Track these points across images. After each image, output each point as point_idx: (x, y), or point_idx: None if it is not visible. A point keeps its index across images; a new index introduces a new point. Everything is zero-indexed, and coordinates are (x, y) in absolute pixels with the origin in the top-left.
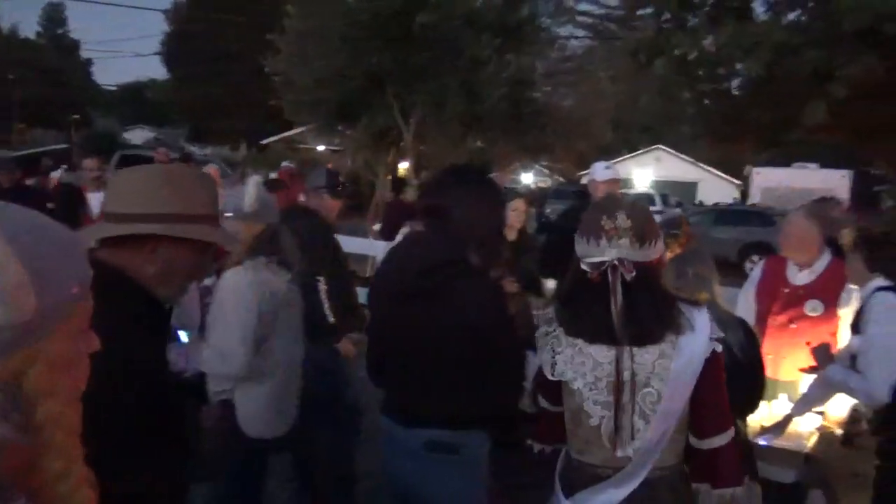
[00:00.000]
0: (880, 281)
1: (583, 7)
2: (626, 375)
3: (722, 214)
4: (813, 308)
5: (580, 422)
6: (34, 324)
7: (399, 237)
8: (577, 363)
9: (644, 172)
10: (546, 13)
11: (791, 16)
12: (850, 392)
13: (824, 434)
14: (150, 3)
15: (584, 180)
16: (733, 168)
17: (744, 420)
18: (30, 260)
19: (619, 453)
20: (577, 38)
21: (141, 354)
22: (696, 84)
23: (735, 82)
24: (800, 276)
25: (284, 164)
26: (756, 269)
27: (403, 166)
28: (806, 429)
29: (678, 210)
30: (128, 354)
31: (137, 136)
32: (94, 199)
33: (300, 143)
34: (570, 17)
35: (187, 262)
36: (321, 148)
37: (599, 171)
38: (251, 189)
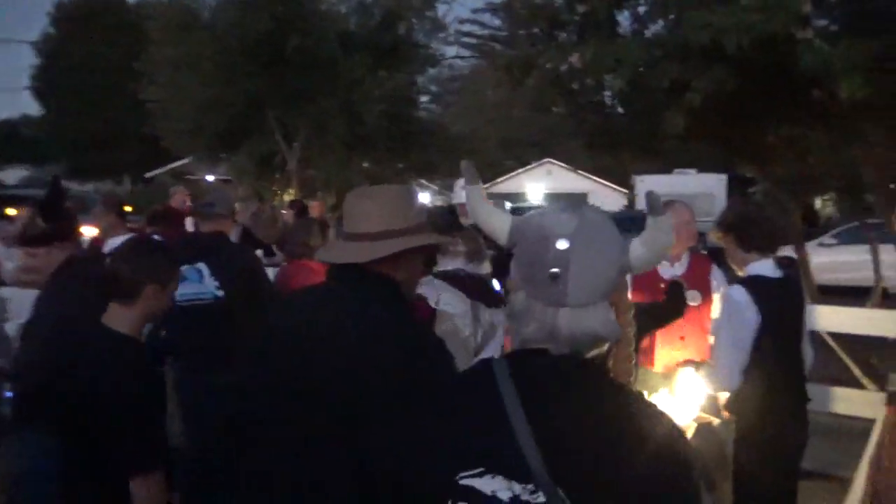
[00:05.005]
0: (757, 264)
1: (467, 28)
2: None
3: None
4: (693, 297)
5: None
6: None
7: None
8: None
9: (536, 186)
10: (423, 32)
11: (655, 28)
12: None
13: (701, 424)
14: (17, 34)
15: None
16: (624, 178)
17: None
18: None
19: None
20: (461, 58)
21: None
22: (570, 97)
23: (608, 94)
24: (671, 270)
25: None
26: None
27: (290, 192)
28: (684, 421)
29: None
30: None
31: (11, 175)
32: None
33: (187, 174)
34: (448, 34)
35: (420, 266)
36: (210, 178)
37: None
38: None
